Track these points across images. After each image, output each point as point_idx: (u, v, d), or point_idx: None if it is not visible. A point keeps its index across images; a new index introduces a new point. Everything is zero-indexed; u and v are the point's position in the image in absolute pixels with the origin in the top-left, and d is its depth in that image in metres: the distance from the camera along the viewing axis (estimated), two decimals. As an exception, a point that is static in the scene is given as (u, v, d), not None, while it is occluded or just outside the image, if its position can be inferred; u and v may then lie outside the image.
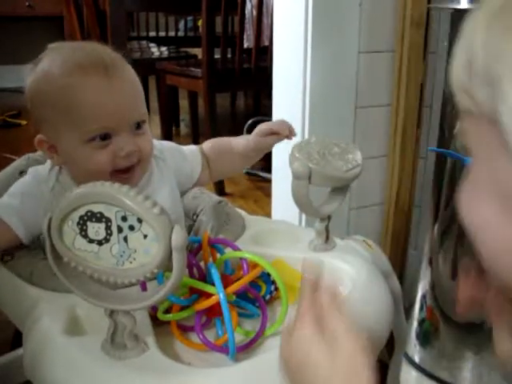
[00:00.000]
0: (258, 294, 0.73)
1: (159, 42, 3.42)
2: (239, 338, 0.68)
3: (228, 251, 0.75)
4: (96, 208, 0.54)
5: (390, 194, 1.40)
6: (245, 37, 2.64)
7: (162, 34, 3.69)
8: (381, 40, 1.30)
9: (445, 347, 1.29)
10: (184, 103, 3.13)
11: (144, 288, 0.68)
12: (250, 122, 2.74)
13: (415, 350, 1.31)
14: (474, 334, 1.25)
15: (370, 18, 1.27)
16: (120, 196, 0.53)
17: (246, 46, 2.62)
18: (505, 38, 0.32)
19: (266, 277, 0.75)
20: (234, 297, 0.68)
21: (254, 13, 2.36)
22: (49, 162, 0.85)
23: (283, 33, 1.35)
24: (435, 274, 1.29)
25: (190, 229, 0.94)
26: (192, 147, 0.98)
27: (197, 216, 0.98)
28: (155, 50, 3.31)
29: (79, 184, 0.73)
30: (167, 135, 2.64)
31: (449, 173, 1.21)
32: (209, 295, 0.66)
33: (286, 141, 0.93)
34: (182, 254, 0.54)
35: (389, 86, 1.33)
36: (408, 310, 1.36)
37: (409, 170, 1.37)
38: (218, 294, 0.64)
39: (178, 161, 0.93)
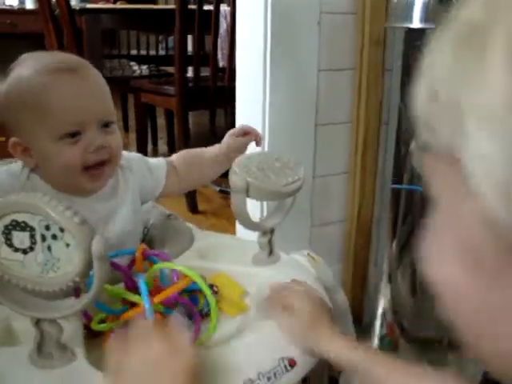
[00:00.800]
0: (192, 305, 0.72)
1: (140, 60, 3.43)
2: None
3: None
4: (20, 217, 0.55)
5: (351, 211, 1.41)
6: (220, 56, 2.66)
7: (143, 52, 3.70)
8: (340, 58, 1.32)
9: (404, 364, 1.28)
10: (162, 121, 3.14)
11: (78, 295, 0.66)
12: (225, 139, 2.75)
13: (375, 367, 1.31)
14: (433, 350, 1.25)
15: (328, 37, 1.28)
16: (42, 205, 0.54)
17: (221, 65, 2.64)
18: (472, 70, 0.28)
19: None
20: (162, 307, 0.68)
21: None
22: (20, 162, 0.85)
23: (244, 52, 1.36)
24: (394, 291, 1.29)
25: (141, 242, 0.94)
26: (159, 159, 0.99)
27: (147, 230, 0.99)
28: (136, 68, 3.32)
29: (51, 185, 0.82)
30: (142, 153, 2.63)
31: (406, 189, 1.22)
32: (138, 306, 0.67)
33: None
34: (103, 263, 0.55)
35: (349, 103, 1.35)
36: (369, 326, 1.36)
37: (370, 187, 1.38)
38: (143, 303, 0.64)
39: (144, 172, 0.94)
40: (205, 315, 0.73)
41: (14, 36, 4.06)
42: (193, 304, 0.73)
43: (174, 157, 1.00)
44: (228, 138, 0.98)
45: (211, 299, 0.69)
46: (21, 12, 4.24)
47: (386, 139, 1.30)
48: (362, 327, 1.38)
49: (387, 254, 1.29)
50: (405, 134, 1.20)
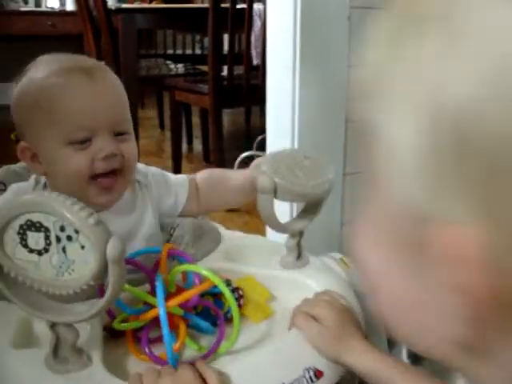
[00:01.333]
0: (216, 308, 0.70)
1: (176, 59, 3.46)
2: (192, 352, 0.66)
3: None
4: (35, 217, 0.53)
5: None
6: (254, 54, 2.66)
7: (180, 51, 3.73)
8: (371, 53, 1.29)
9: (435, 365, 1.25)
10: (197, 120, 3.15)
11: (101, 294, 0.65)
12: (259, 138, 2.74)
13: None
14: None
15: (359, 32, 1.26)
16: (56, 205, 0.52)
17: (255, 63, 2.63)
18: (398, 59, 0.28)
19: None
20: (181, 310, 0.66)
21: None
22: (32, 179, 0.84)
23: (274, 49, 1.35)
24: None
25: (167, 243, 0.92)
26: (181, 177, 0.95)
27: (174, 230, 0.97)
28: (172, 67, 3.34)
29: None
30: (177, 151, 2.65)
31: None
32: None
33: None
34: (119, 267, 0.53)
35: (380, 100, 1.32)
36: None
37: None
38: (158, 306, 0.62)
39: (162, 189, 0.90)
40: (230, 319, 0.69)
41: (54, 37, 4.15)
42: (217, 307, 0.71)
43: (198, 177, 0.94)
44: (255, 169, 0.88)
45: (233, 306, 0.66)
46: (61, 14, 4.32)
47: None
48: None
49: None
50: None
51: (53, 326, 0.58)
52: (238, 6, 2.26)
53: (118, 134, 0.78)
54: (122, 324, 0.68)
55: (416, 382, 0.61)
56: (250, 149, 2.75)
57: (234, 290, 0.74)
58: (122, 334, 0.68)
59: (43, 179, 0.83)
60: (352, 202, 1.38)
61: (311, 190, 0.78)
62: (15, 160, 0.90)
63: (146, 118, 3.80)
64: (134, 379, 0.57)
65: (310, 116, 1.28)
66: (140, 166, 0.90)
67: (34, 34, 4.11)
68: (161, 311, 0.61)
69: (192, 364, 0.60)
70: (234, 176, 0.92)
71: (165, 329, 0.61)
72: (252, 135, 3.27)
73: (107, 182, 0.77)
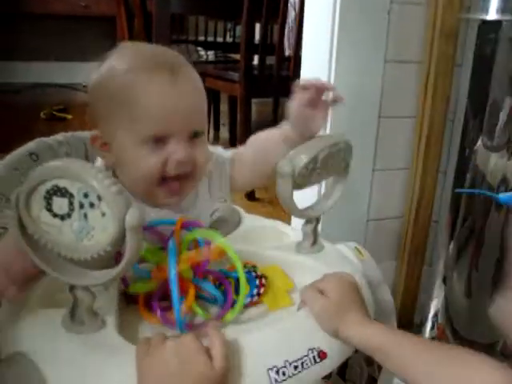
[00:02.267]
0: (227, 284, 0.72)
1: (207, 46, 3.46)
2: (198, 318, 0.69)
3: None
4: (62, 183, 0.55)
5: (410, 208, 1.37)
6: (287, 45, 2.65)
7: (211, 39, 3.72)
8: (408, 49, 1.28)
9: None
10: (226, 108, 3.16)
11: (118, 261, 0.65)
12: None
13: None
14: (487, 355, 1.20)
15: (398, 27, 1.25)
16: (82, 172, 0.54)
17: (287, 53, 2.62)
18: None
19: (252, 281, 0.74)
20: (191, 273, 0.68)
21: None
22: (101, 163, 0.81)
23: (310, 41, 1.34)
24: (449, 293, 1.26)
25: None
26: (226, 155, 0.89)
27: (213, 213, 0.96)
28: (203, 54, 3.35)
29: (129, 190, 0.72)
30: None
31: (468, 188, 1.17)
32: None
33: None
34: (136, 235, 0.55)
35: (414, 97, 1.31)
36: (419, 327, 1.33)
37: (431, 184, 1.34)
38: (169, 267, 0.64)
39: (219, 176, 0.87)
40: (246, 306, 0.72)
41: (88, 18, 4.18)
42: (229, 286, 0.72)
43: (242, 147, 0.90)
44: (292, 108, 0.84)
45: (241, 275, 0.68)
46: (95, -5, 4.34)
47: (451, 137, 1.25)
48: (412, 328, 1.34)
49: (444, 255, 1.26)
50: (471, 132, 1.16)
51: (71, 288, 0.61)
52: (273, -4, 2.25)
53: (193, 136, 0.74)
54: (136, 285, 0.70)
55: (417, 346, 0.61)
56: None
57: (257, 277, 0.75)
58: (136, 301, 0.70)
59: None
60: (379, 198, 1.38)
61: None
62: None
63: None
64: (143, 342, 0.59)
65: (343, 110, 1.27)
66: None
67: (67, 15, 4.14)
68: (171, 272, 0.63)
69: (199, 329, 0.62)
70: (276, 130, 0.86)
71: (174, 289, 0.63)
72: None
73: (176, 186, 0.75)
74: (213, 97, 2.91)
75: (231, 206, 0.96)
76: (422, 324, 1.30)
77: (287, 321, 0.69)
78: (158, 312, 0.67)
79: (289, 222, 1.56)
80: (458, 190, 1.21)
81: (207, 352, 0.58)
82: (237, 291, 0.71)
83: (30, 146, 0.92)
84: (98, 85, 0.75)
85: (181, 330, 0.63)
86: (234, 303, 0.70)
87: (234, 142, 2.93)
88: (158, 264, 0.69)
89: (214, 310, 0.71)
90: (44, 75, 4.16)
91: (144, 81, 0.71)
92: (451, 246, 1.23)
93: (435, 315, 1.28)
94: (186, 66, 0.75)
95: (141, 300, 0.69)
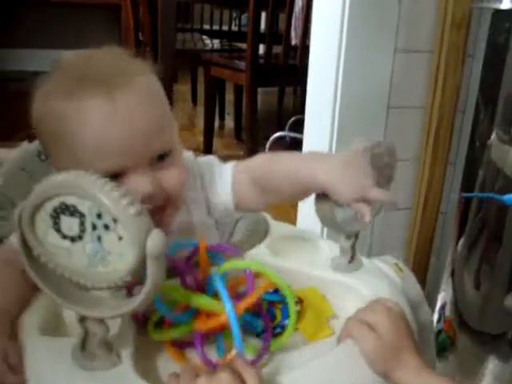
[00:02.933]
0: (267, 319, 0.63)
1: (212, 35, 3.44)
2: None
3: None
4: (70, 200, 0.48)
5: (418, 199, 1.36)
6: (293, 34, 2.63)
7: (216, 27, 3.70)
8: (419, 39, 1.26)
9: (461, 361, 1.24)
10: (231, 97, 3.14)
11: (131, 289, 0.59)
12: (292, 119, 2.72)
13: (429, 362, 1.27)
14: (494, 347, 1.20)
15: (409, 16, 1.23)
16: (93, 190, 0.46)
17: (294, 43, 2.60)
18: None
19: (285, 307, 0.66)
20: (242, 314, 0.59)
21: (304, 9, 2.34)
22: None
23: (319, 30, 1.32)
24: (457, 286, 1.25)
25: (230, 236, 0.87)
26: (225, 169, 0.78)
27: (236, 222, 0.90)
28: (208, 42, 3.33)
29: None
30: (209, 127, 2.65)
31: (480, 183, 1.16)
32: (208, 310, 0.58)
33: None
34: (159, 263, 0.48)
35: (424, 87, 1.29)
36: (426, 320, 1.32)
37: (439, 176, 1.33)
38: (227, 311, 0.55)
39: (209, 188, 0.78)
40: (275, 335, 0.63)
41: (93, 6, 4.15)
42: (269, 318, 0.64)
43: (252, 163, 0.77)
44: None
45: (293, 311, 0.60)
46: (101, -19, 4.31)
47: (461, 129, 1.24)
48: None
49: (452, 248, 1.25)
50: (482, 124, 1.14)
51: (82, 319, 0.53)
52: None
53: (158, 160, 0.64)
54: (164, 333, 0.60)
55: None
56: (282, 129, 2.73)
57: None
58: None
59: None
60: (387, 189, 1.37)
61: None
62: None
63: (179, 92, 3.79)
64: (172, 379, 0.53)
65: (351, 100, 1.26)
66: (190, 158, 0.78)
67: (73, 2, 4.11)
68: (231, 315, 0.55)
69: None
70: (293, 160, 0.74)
71: (236, 335, 0.55)
72: (284, 116, 3.26)
73: (155, 219, 0.60)
74: (218, 86, 2.89)
75: (261, 215, 0.87)
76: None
77: (330, 357, 0.60)
78: (201, 354, 0.58)
79: (295, 216, 1.55)
80: (464, 195, 1.20)
81: None
82: (270, 315, 0.65)
83: (19, 155, 0.86)
84: (36, 116, 0.64)
85: None
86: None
87: (239, 131, 2.92)
88: (187, 304, 0.59)
89: (253, 341, 0.63)
90: (49, 63, 4.12)
91: (79, 111, 0.60)
92: (460, 239, 1.22)
93: (442, 308, 1.27)
94: (130, 78, 0.62)
95: (168, 342, 0.61)
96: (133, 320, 0.61)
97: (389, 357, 0.59)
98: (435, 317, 1.29)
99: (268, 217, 0.87)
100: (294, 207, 2.01)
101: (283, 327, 0.63)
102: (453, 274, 1.25)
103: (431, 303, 1.30)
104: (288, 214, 2.00)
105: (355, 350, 0.59)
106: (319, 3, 1.32)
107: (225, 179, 0.76)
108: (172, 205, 0.66)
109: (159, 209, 0.64)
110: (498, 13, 1.06)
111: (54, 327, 0.61)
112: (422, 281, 1.39)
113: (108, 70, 0.62)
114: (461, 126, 1.23)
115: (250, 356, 0.58)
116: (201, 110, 3.02)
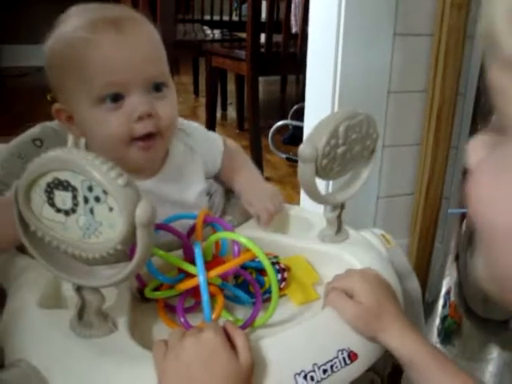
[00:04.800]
0: (256, 285, 0.68)
1: (213, 25, 3.42)
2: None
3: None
4: (62, 175, 0.50)
5: (420, 184, 1.35)
6: (293, 22, 2.61)
7: (217, 18, 3.68)
8: (418, 22, 1.25)
9: (467, 346, 1.23)
10: (233, 87, 3.13)
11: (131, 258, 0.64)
12: (294, 108, 2.71)
13: (435, 347, 1.26)
14: (499, 334, 1.19)
15: (407, -1, 1.22)
16: (84, 163, 0.49)
17: (294, 31, 2.59)
18: None
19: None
20: (220, 280, 0.64)
21: (303, -4, 2.32)
22: (71, 139, 0.81)
23: (317, 15, 1.31)
24: (461, 271, 1.24)
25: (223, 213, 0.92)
26: (217, 137, 0.93)
27: (210, 196, 0.96)
28: (209, 33, 3.32)
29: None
30: (211, 118, 2.64)
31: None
32: (194, 276, 0.63)
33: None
34: (148, 231, 0.50)
35: (425, 71, 1.28)
36: (431, 306, 1.31)
37: (442, 160, 1.31)
38: (198, 275, 0.60)
39: (206, 151, 0.89)
40: (266, 300, 0.67)
41: (93, 0, 4.13)
42: (257, 284, 0.68)
43: (229, 143, 0.94)
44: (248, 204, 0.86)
45: (274, 281, 0.63)
46: (99, -26, 4.29)
47: (462, 111, 1.22)
48: (423, 306, 1.33)
49: (455, 232, 1.24)
50: (483, 107, 1.13)
51: (78, 289, 0.56)
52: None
53: (155, 90, 0.72)
54: (156, 292, 0.66)
55: (450, 374, 0.59)
56: (285, 118, 2.72)
57: (280, 270, 0.71)
58: (151, 300, 0.67)
59: (83, 140, 0.81)
60: (389, 175, 1.36)
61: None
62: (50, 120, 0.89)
63: (181, 84, 3.79)
64: (159, 344, 0.55)
65: (351, 86, 1.25)
66: (185, 123, 0.87)
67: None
68: (201, 280, 0.60)
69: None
70: (241, 180, 0.90)
71: (205, 298, 0.59)
72: (287, 104, 3.24)
73: (145, 145, 0.73)
74: (220, 76, 2.88)
75: None
76: (435, 302, 1.29)
77: (314, 319, 0.63)
78: (182, 319, 0.63)
79: (299, 203, 1.55)
80: (451, 211, 1.19)
81: (230, 346, 0.53)
82: (259, 282, 0.69)
83: (34, 131, 0.90)
84: (49, 53, 0.74)
85: None
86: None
87: (241, 121, 2.91)
88: (180, 269, 0.65)
89: (241, 313, 0.68)
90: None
91: (89, 38, 0.69)
92: (463, 224, 1.21)
93: (447, 293, 1.27)
94: (135, 18, 0.73)
95: (160, 304, 0.66)
96: (136, 290, 0.66)
97: (370, 321, 0.62)
98: (440, 302, 1.28)
99: None
100: (298, 193, 2.01)
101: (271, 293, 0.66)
102: (457, 258, 1.24)
103: (436, 289, 1.30)
104: (292, 199, 2.00)
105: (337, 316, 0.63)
106: (317, -12, 1.30)
107: (217, 146, 0.90)
108: (162, 134, 0.74)
109: (150, 136, 0.72)
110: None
111: (53, 301, 0.63)
112: (427, 266, 1.39)
113: (118, 13, 0.73)
114: (462, 108, 1.21)
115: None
116: (203, 100, 3.01)
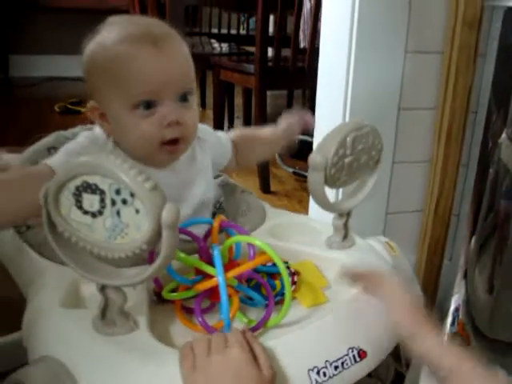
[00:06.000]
0: (269, 288, 0.70)
1: (221, 39, 3.44)
2: (240, 325, 0.66)
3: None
4: (91, 179, 0.53)
5: (429, 201, 1.35)
6: (302, 37, 2.62)
7: (224, 31, 3.71)
8: (430, 39, 1.25)
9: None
10: (240, 101, 3.14)
11: (151, 261, 0.66)
12: (301, 122, 2.71)
13: (443, 365, 1.25)
14: (508, 355, 1.18)
15: (419, 17, 1.22)
16: (113, 168, 0.52)
17: (302, 46, 2.60)
18: None
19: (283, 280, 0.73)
20: (236, 281, 0.67)
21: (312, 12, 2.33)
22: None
23: (329, 32, 1.32)
24: (470, 288, 1.23)
25: (213, 217, 0.94)
26: (223, 134, 0.99)
27: (220, 204, 0.98)
28: (216, 46, 3.33)
29: (130, 154, 0.79)
30: (219, 130, 2.65)
31: (491, 183, 1.15)
32: (212, 277, 0.65)
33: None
34: (173, 232, 0.53)
35: (435, 88, 1.28)
36: (439, 323, 1.30)
37: (451, 177, 1.31)
38: (217, 276, 0.63)
39: (215, 144, 0.94)
40: (276, 302, 0.70)
41: (101, 11, 4.16)
42: (269, 286, 0.71)
43: (233, 134, 1.00)
44: (283, 122, 1.01)
45: (287, 283, 0.66)
46: (108, -12, 4.32)
47: (473, 129, 1.23)
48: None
49: (464, 250, 1.23)
50: (494, 124, 1.13)
51: (102, 288, 0.59)
52: (289, -13, 2.22)
53: (183, 99, 0.79)
54: (173, 294, 0.68)
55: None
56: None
57: (290, 274, 0.74)
58: (168, 301, 0.69)
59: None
60: (398, 191, 1.36)
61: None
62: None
63: (188, 96, 3.79)
64: (186, 352, 0.57)
65: (362, 102, 1.26)
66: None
67: (81, 8, 4.13)
68: (220, 280, 0.62)
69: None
70: (263, 133, 1.02)
71: (224, 298, 0.61)
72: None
73: (171, 149, 0.80)
74: (227, 89, 2.89)
75: (255, 198, 0.96)
76: (442, 319, 1.28)
77: (325, 319, 0.67)
78: (200, 318, 0.65)
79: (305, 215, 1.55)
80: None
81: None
82: (270, 285, 0.71)
83: (49, 140, 0.95)
84: (90, 58, 0.80)
85: None
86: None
87: (248, 134, 2.91)
88: (196, 270, 0.68)
89: (254, 314, 0.70)
90: (58, 68, 4.15)
91: (130, 49, 0.76)
92: (473, 240, 1.20)
93: (456, 310, 1.26)
94: (170, 34, 0.80)
95: (177, 305, 0.68)
96: (152, 291, 0.69)
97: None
98: (449, 320, 1.27)
99: (266, 204, 0.97)
100: (304, 208, 2.01)
101: (283, 295, 0.69)
102: (466, 275, 1.23)
103: (445, 306, 1.29)
104: (301, 202, 2.00)
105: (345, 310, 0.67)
106: (329, 5, 1.31)
107: (226, 141, 0.97)
108: (185, 139, 0.80)
109: (174, 141, 0.79)
110: (511, 11, 1.04)
111: (73, 302, 0.67)
112: (435, 283, 1.38)
113: (154, 27, 0.79)
114: (473, 126, 1.22)
115: (244, 324, 0.66)
116: (209, 113, 3.02)
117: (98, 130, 0.85)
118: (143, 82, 0.76)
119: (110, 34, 0.79)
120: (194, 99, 0.82)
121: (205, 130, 0.94)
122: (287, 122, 1.01)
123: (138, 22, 0.82)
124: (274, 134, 1.01)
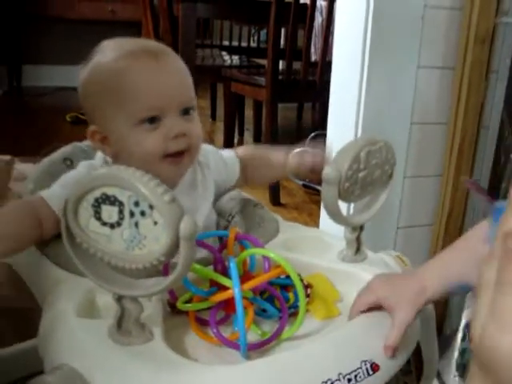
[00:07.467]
0: (280, 295, 0.71)
1: (231, 51, 3.47)
2: (254, 336, 0.67)
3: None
4: (110, 191, 0.54)
5: (441, 216, 1.35)
6: (313, 50, 2.64)
7: (235, 43, 3.73)
8: (442, 55, 1.26)
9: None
10: (250, 113, 3.15)
11: (166, 273, 0.67)
12: (312, 135, 2.72)
13: (454, 382, 1.25)
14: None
15: (431, 33, 1.23)
16: (133, 180, 0.53)
17: (313, 59, 2.61)
18: None
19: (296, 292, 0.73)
20: (252, 293, 0.67)
21: (324, 26, 2.35)
22: (100, 155, 0.86)
23: (342, 46, 1.33)
24: (481, 303, 1.23)
25: (224, 229, 0.94)
26: (229, 153, 0.98)
27: (232, 217, 0.98)
28: (227, 58, 3.36)
29: None
30: (229, 142, 2.66)
31: (502, 197, 1.15)
32: (227, 289, 0.65)
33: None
34: (190, 244, 0.53)
35: (447, 103, 1.29)
36: (450, 338, 1.30)
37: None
38: (233, 287, 0.63)
39: (220, 167, 0.94)
40: (290, 315, 0.70)
41: (114, 23, 4.21)
42: (283, 299, 0.71)
43: (242, 152, 0.99)
44: (298, 156, 0.94)
45: (301, 296, 0.66)
46: (122, 0, 4.37)
47: (485, 145, 1.23)
48: (441, 338, 1.32)
49: (476, 265, 1.23)
50: (506, 141, 1.13)
51: (119, 298, 0.59)
52: (301, 1, 2.24)
53: (185, 113, 0.80)
54: (187, 305, 0.68)
55: None
56: (301, 145, 2.74)
57: (304, 287, 0.73)
58: (182, 312, 0.69)
59: (109, 159, 0.85)
60: (410, 206, 1.36)
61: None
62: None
63: (199, 108, 3.80)
64: None
65: (374, 116, 1.26)
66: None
67: (94, 19, 4.18)
68: (236, 292, 0.62)
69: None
70: (278, 156, 0.97)
71: (239, 310, 0.61)
72: (303, 131, 3.27)
73: (176, 160, 0.80)
74: (238, 102, 2.91)
75: (268, 212, 0.96)
76: (454, 334, 1.28)
77: (339, 332, 0.67)
78: (214, 330, 0.65)
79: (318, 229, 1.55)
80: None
81: None
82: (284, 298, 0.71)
83: (66, 150, 0.96)
84: (87, 80, 0.80)
85: (242, 352, 0.62)
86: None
87: (258, 146, 2.93)
88: (211, 281, 0.68)
89: (267, 326, 0.70)
90: (70, 79, 4.18)
91: (129, 67, 0.77)
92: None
93: (467, 325, 1.26)
94: (168, 50, 0.81)
95: (191, 317, 0.68)
96: (167, 302, 0.69)
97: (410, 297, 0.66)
98: (459, 335, 1.27)
99: (279, 217, 0.96)
100: (314, 221, 2.01)
101: (296, 307, 0.69)
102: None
103: (456, 321, 1.29)
104: (311, 215, 2.00)
105: (359, 323, 0.68)
106: (342, 19, 1.32)
107: (233, 162, 0.96)
108: (190, 151, 0.81)
109: (181, 153, 0.79)
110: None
111: (88, 311, 0.67)
112: (446, 297, 1.38)
113: (152, 45, 0.81)
114: (485, 142, 1.22)
115: (258, 337, 0.67)
116: (220, 125, 3.04)
117: (97, 159, 0.86)
118: (147, 97, 0.76)
119: (107, 54, 0.79)
120: (196, 113, 0.83)
121: (208, 151, 0.93)
122: (300, 161, 0.93)
123: (134, 41, 0.82)
124: (285, 160, 0.94)
